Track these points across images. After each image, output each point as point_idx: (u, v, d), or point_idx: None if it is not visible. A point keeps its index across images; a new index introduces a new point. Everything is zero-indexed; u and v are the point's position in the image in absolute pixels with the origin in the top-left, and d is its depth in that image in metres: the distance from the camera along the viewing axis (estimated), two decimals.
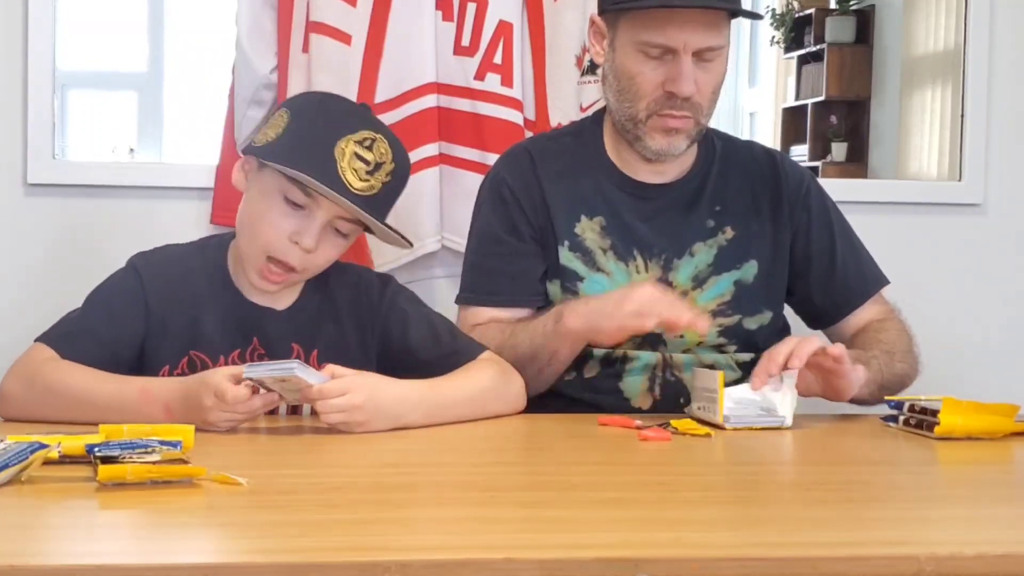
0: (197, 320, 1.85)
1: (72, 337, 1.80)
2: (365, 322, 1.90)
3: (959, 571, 1.15)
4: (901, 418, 1.83)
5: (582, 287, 2.03)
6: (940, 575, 1.13)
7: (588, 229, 2.04)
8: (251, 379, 1.64)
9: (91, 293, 1.87)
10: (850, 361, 1.86)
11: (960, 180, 2.74)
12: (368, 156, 1.79)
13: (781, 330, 2.13)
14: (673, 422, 1.77)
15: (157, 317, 1.84)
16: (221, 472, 1.36)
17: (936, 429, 1.74)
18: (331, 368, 1.69)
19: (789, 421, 1.81)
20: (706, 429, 1.75)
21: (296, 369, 1.62)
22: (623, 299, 1.88)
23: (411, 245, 1.94)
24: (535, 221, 2.05)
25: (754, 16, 2.05)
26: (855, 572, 1.15)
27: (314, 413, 1.82)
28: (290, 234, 1.79)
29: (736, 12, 1.99)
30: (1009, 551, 1.18)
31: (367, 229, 1.89)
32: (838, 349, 1.86)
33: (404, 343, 1.89)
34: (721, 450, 1.68)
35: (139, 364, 1.82)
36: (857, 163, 3.69)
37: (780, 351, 1.83)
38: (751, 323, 2.06)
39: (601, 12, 2.05)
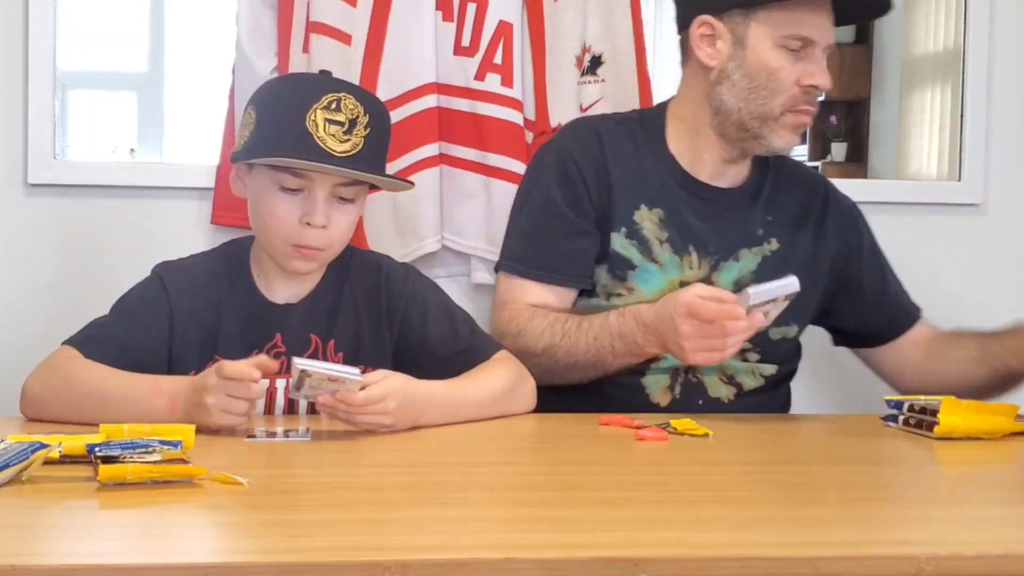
0: (220, 324, 1.86)
1: (97, 340, 1.81)
2: (383, 310, 1.90)
3: (959, 571, 1.15)
4: (901, 418, 1.83)
5: (632, 275, 2.03)
6: (940, 575, 1.13)
7: (647, 219, 2.04)
8: (305, 369, 1.61)
9: (117, 301, 1.88)
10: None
11: (960, 180, 2.74)
12: (339, 117, 1.80)
13: (797, 348, 2.15)
14: (673, 422, 1.77)
15: (182, 324, 1.85)
16: (221, 472, 1.36)
17: (936, 429, 1.75)
18: (365, 378, 1.67)
19: (796, 283, 1.81)
20: (705, 429, 1.74)
21: (358, 373, 1.61)
22: (674, 309, 1.83)
23: (412, 185, 1.93)
24: (598, 202, 2.04)
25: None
26: (855, 572, 1.15)
27: (311, 412, 1.83)
28: (299, 218, 1.81)
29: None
30: (1009, 551, 1.18)
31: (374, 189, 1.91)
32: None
33: (423, 332, 1.90)
34: (720, 450, 1.68)
35: (168, 371, 1.83)
36: (857, 163, 3.69)
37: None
38: (776, 334, 2.07)
39: (718, 12, 2.02)
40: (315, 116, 1.78)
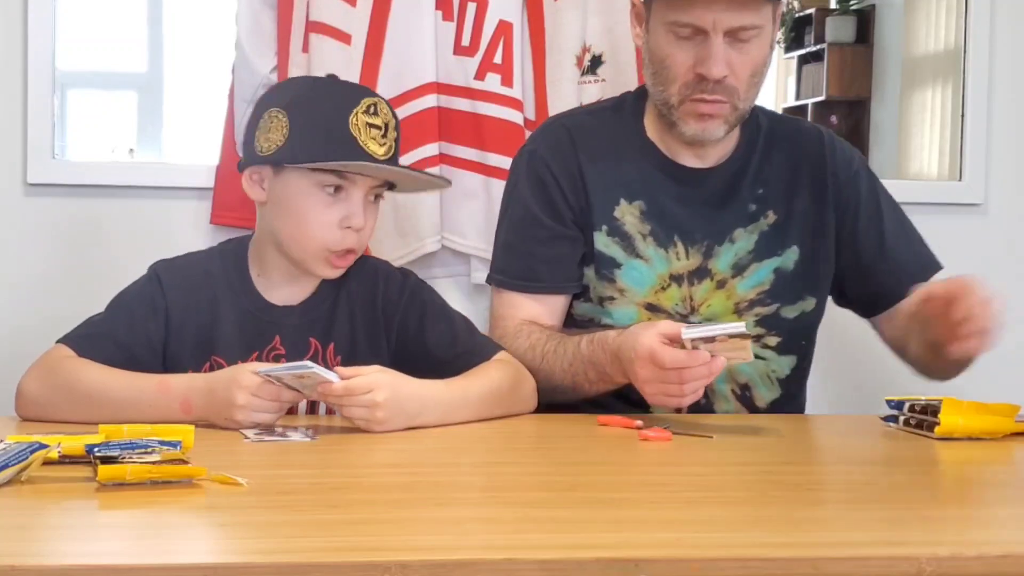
0: (216, 324, 1.86)
1: (92, 338, 1.81)
2: (381, 316, 1.90)
3: (959, 571, 1.15)
4: (901, 418, 1.83)
5: (619, 274, 1.98)
6: (940, 575, 1.13)
7: (628, 213, 1.99)
8: (270, 376, 1.64)
9: (114, 298, 1.88)
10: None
11: (960, 180, 2.74)
12: (377, 121, 1.83)
13: (812, 336, 2.07)
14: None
15: (177, 323, 1.85)
16: (221, 472, 1.36)
17: (936, 429, 1.74)
18: (350, 369, 1.69)
19: (742, 326, 1.70)
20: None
21: (313, 367, 1.63)
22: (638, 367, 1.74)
23: (449, 183, 1.96)
24: (575, 203, 2.00)
25: None
26: (855, 572, 1.15)
27: (329, 412, 1.84)
28: (339, 221, 1.83)
29: None
30: (1009, 551, 1.18)
31: (390, 188, 1.92)
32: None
33: (421, 337, 1.90)
34: (721, 450, 1.68)
35: (163, 370, 1.82)
36: None
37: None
38: (790, 311, 2.01)
39: None
40: (357, 120, 1.81)
